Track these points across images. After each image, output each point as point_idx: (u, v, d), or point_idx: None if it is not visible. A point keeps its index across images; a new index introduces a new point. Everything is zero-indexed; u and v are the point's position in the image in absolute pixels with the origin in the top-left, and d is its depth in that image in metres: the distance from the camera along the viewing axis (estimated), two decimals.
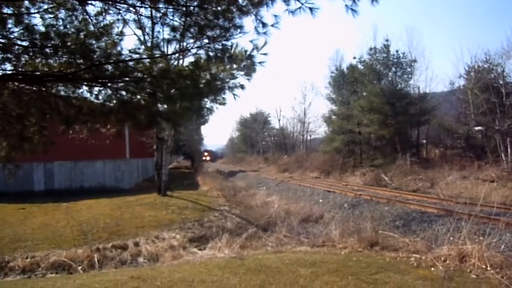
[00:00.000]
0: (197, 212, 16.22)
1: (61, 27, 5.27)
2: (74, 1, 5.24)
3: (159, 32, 6.20)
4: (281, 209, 15.85)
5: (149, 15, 6.05)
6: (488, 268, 5.93)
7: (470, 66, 29.22)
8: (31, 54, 5.25)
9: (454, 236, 7.26)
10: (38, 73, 5.25)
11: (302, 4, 5.04)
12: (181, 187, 25.48)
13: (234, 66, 6.36)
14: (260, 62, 6.21)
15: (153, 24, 6.42)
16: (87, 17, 5.37)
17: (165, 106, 6.18)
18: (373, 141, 36.39)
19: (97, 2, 5.40)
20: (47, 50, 5.15)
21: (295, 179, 32.81)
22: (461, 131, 28.16)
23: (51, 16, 5.28)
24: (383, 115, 30.96)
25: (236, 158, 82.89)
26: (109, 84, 5.47)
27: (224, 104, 10.24)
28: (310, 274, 6.13)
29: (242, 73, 7.70)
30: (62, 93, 5.79)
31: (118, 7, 5.56)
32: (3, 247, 10.83)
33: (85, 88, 5.70)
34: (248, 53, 5.98)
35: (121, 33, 5.60)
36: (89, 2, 5.31)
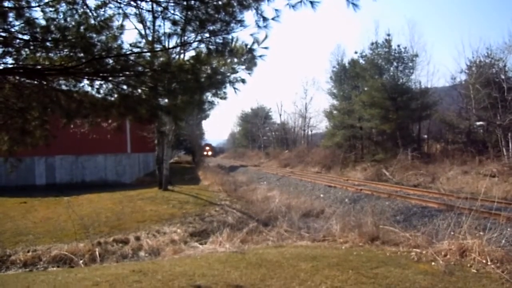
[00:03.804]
0: (198, 206, 16.25)
1: (62, 21, 5.26)
2: None
3: (160, 26, 6.18)
4: (282, 204, 15.86)
5: (150, 9, 6.04)
6: (489, 263, 5.95)
7: (471, 61, 29.22)
8: (32, 47, 5.24)
9: (455, 231, 7.26)
10: (39, 67, 5.25)
11: None
12: (182, 182, 25.53)
13: (235, 60, 6.36)
14: (260, 56, 6.20)
15: (154, 18, 6.40)
16: (88, 10, 5.36)
17: (166, 100, 6.18)
18: (374, 136, 36.39)
19: None
20: (48, 43, 5.14)
21: (296, 174, 32.84)
22: (463, 126, 28.14)
23: (52, 9, 5.26)
24: (384, 110, 30.95)
25: (237, 153, 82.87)
26: (110, 78, 5.47)
27: (225, 98, 10.26)
28: (310, 268, 6.15)
29: (243, 67, 7.70)
30: (63, 87, 5.79)
31: (119, 0, 5.55)
32: (4, 241, 10.87)
33: (86, 82, 5.71)
34: (248, 46, 5.97)
35: (122, 27, 5.58)
36: None
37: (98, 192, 19.98)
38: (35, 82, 5.62)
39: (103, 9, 5.47)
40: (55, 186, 23.98)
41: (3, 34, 4.96)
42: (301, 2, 4.98)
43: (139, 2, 5.83)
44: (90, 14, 5.37)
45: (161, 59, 5.44)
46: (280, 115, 71.77)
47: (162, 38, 6.15)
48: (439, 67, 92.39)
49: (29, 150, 6.53)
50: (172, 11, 5.67)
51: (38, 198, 18.43)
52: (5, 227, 12.51)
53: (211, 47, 5.67)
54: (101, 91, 5.72)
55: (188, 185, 24.00)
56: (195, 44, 5.90)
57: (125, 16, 5.82)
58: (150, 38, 6.92)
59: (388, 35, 32.35)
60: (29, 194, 19.79)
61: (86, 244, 10.27)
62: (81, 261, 9.39)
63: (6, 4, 5.07)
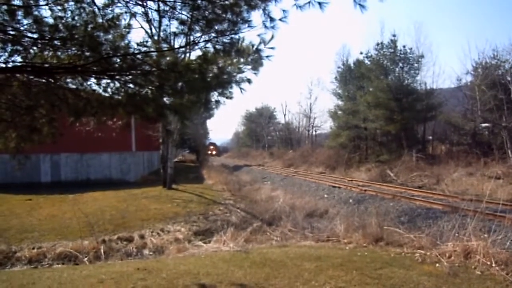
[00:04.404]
0: (202, 205, 16.29)
1: (70, 19, 5.29)
2: None
3: (167, 25, 6.22)
4: (286, 204, 15.85)
5: (157, 8, 6.07)
6: (493, 265, 5.93)
7: (477, 62, 29.17)
8: (40, 46, 5.28)
9: (459, 233, 7.25)
10: (47, 65, 5.29)
11: None
12: (186, 181, 25.59)
13: (241, 60, 6.37)
14: (267, 56, 6.20)
15: (161, 17, 6.43)
16: (95, 8, 5.39)
17: (173, 99, 6.21)
18: (379, 136, 36.33)
19: None
20: (56, 42, 5.18)
21: (300, 174, 32.84)
22: (468, 128, 28.05)
23: (60, 8, 5.30)
24: (389, 111, 30.89)
25: (241, 152, 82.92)
26: (117, 77, 5.50)
27: (231, 98, 10.20)
28: (314, 268, 6.16)
29: (249, 67, 7.69)
30: (71, 85, 5.84)
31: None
32: (10, 238, 10.94)
33: (93, 80, 5.74)
34: (255, 47, 5.98)
35: (129, 26, 5.60)
36: None
37: (102, 190, 20.05)
38: (43, 80, 5.67)
39: (110, 8, 5.50)
40: (60, 183, 24.08)
41: (12, 33, 5.01)
42: (309, 3, 4.99)
43: (146, 1, 5.88)
44: (98, 13, 5.40)
45: (168, 58, 5.46)
46: (285, 115, 71.92)
47: (169, 37, 6.19)
48: (444, 68, 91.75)
49: (35, 148, 6.57)
50: (179, 11, 5.70)
51: (43, 196, 18.51)
52: (10, 224, 12.59)
53: (218, 46, 5.70)
54: (108, 90, 5.76)
55: (192, 184, 24.05)
56: (202, 44, 5.93)
57: (132, 15, 5.85)
58: (156, 38, 6.95)
59: (394, 35, 32.32)
60: (34, 191, 19.87)
61: (91, 242, 10.32)
62: (85, 259, 9.44)
63: (15, 2, 5.11)
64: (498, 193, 15.03)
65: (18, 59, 5.31)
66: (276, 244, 9.23)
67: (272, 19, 5.48)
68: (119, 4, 5.55)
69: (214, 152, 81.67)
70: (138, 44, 5.56)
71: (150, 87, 5.77)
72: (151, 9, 6.10)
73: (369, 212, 10.89)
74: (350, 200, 18.54)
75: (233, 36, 5.74)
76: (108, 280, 5.80)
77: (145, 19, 6.82)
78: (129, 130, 22.44)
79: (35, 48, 5.35)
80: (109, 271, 6.39)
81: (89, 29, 5.22)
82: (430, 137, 33.83)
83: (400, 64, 32.17)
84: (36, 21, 5.11)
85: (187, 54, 6.98)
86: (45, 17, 5.21)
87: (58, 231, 11.63)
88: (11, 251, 9.94)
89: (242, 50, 5.86)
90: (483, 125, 27.70)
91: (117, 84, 5.72)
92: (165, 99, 6.29)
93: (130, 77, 5.58)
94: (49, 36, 5.17)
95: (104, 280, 5.84)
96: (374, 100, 31.80)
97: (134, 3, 5.65)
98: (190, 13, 5.65)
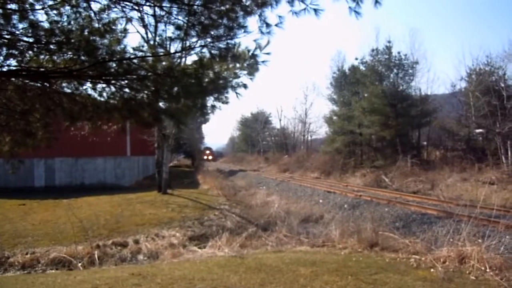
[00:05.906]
0: (197, 210, 16.24)
1: (65, 24, 5.29)
2: None
3: (163, 30, 6.23)
4: (281, 209, 15.85)
5: (153, 13, 6.08)
6: (487, 270, 5.95)
7: (471, 69, 29.36)
8: (35, 50, 5.27)
9: (454, 238, 7.28)
10: (42, 69, 5.28)
11: (307, 5, 5.06)
12: (181, 186, 25.50)
13: (237, 65, 6.38)
14: (263, 62, 6.22)
15: (157, 22, 6.44)
16: (91, 13, 5.38)
17: (169, 103, 6.20)
18: (374, 142, 36.41)
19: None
20: (52, 46, 5.17)
21: (295, 179, 32.82)
22: (462, 133, 28.20)
23: (56, 12, 5.29)
24: (384, 117, 30.99)
25: (237, 157, 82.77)
26: (113, 82, 5.50)
27: (227, 103, 10.24)
28: (310, 273, 6.15)
29: (245, 72, 7.72)
30: (66, 89, 5.83)
31: (122, 4, 5.59)
32: (3, 243, 10.85)
33: (88, 85, 5.73)
34: (251, 52, 5.99)
35: (125, 31, 5.61)
36: None
37: (97, 195, 19.95)
38: (38, 84, 5.65)
39: (106, 13, 5.50)
40: (54, 188, 23.95)
41: (7, 36, 4.99)
42: (304, 9, 5.03)
43: (142, 6, 5.88)
44: (94, 17, 5.40)
45: (164, 63, 5.47)
46: (280, 120, 71.91)
47: (165, 42, 6.20)
48: (439, 75, 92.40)
49: (28, 152, 6.54)
50: (175, 16, 5.71)
51: (37, 200, 18.40)
52: (3, 229, 12.49)
53: (214, 52, 5.71)
54: (104, 94, 5.76)
55: (187, 189, 23.97)
56: (198, 49, 5.94)
57: (128, 20, 5.85)
58: (152, 42, 6.96)
59: (389, 42, 32.45)
60: (28, 196, 19.75)
61: (85, 247, 10.25)
62: (79, 264, 9.36)
63: (10, 6, 5.10)
64: (492, 199, 15.10)
65: (13, 63, 5.30)
66: (272, 249, 9.22)
67: (268, 25, 5.51)
68: (115, 9, 5.56)
69: (210, 157, 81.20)
70: (134, 49, 5.57)
71: (146, 92, 5.77)
72: (147, 14, 6.12)
73: (364, 217, 10.90)
74: (345, 205, 18.53)
75: (229, 41, 5.75)
76: (103, 286, 5.76)
77: (141, 24, 6.83)
78: (124, 134, 22.38)
79: (30, 52, 5.33)
80: (104, 277, 6.34)
81: (85, 33, 5.22)
82: (425, 143, 33.97)
83: (395, 70, 32.30)
84: (31, 25, 5.10)
85: (183, 59, 7.00)
86: (41, 21, 5.21)
87: (52, 236, 11.55)
88: (4, 256, 9.85)
89: (238, 55, 5.88)
90: (477, 131, 27.86)
91: (113, 89, 5.71)
92: (161, 103, 6.29)
93: (126, 81, 5.59)
94: (45, 40, 5.16)
95: (98, 285, 5.79)
96: (369, 106, 31.91)
97: (130, 8, 5.65)
98: (186, 18, 5.66)
